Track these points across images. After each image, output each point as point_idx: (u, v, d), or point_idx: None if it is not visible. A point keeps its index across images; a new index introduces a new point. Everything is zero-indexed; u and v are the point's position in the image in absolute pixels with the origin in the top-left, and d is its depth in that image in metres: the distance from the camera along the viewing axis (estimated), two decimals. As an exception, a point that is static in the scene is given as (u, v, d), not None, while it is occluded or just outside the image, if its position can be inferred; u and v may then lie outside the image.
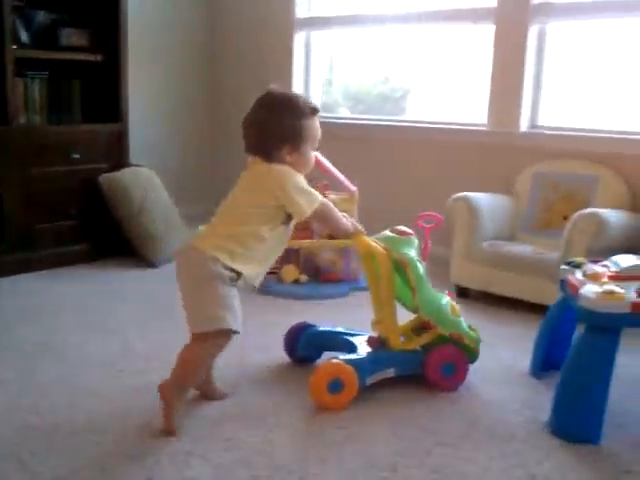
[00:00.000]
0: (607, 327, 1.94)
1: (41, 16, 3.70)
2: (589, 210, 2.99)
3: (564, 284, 2.24)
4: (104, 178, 3.80)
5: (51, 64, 3.76)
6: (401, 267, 2.26)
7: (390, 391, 2.24)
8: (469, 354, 2.34)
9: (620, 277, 2.07)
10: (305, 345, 2.47)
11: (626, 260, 2.16)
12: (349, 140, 4.26)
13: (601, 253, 2.55)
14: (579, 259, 2.32)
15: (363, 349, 2.31)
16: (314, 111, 2.09)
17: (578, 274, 2.17)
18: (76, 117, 3.93)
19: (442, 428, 2.04)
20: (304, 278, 3.50)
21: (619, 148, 3.38)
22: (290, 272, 3.48)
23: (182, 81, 5.03)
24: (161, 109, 4.89)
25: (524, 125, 3.72)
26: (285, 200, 2.01)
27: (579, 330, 2.05)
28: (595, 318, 1.94)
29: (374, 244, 2.23)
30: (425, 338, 2.33)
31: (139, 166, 4.06)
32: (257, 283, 2.10)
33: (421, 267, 2.27)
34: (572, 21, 3.64)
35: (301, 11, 4.65)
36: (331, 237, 3.47)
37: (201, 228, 2.12)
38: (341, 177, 3.38)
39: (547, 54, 3.69)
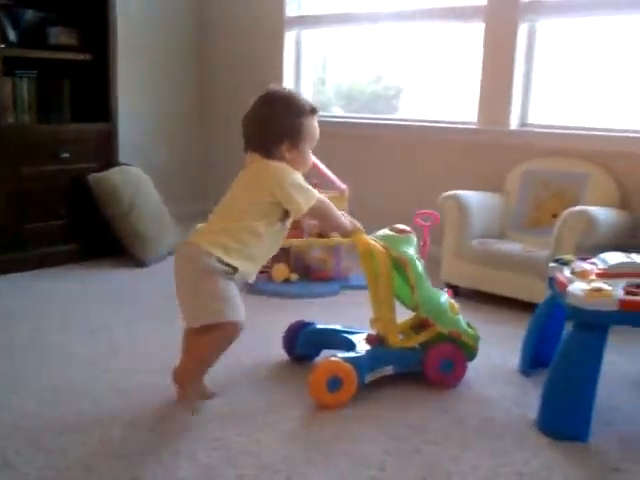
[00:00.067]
0: (595, 324, 1.94)
1: (29, 15, 3.69)
2: (578, 208, 2.99)
3: (552, 282, 2.24)
4: (93, 177, 3.78)
5: (40, 63, 3.74)
6: (400, 265, 2.26)
7: (378, 390, 2.24)
8: (468, 352, 2.34)
9: (608, 274, 2.07)
10: (304, 343, 2.47)
11: (614, 257, 2.15)
12: (342, 139, 4.25)
13: (590, 251, 2.55)
14: (567, 256, 2.32)
15: (362, 347, 2.31)
16: (314, 110, 2.13)
17: (566, 271, 2.17)
18: (65, 116, 3.91)
19: (431, 427, 2.03)
20: (294, 277, 3.50)
21: (609, 146, 3.38)
22: (280, 271, 3.47)
23: (172, 80, 5.01)
24: (151, 108, 4.88)
25: (514, 123, 3.73)
26: (282, 197, 2.02)
27: (568, 328, 2.05)
28: (583, 315, 1.94)
29: (373, 242, 2.24)
30: (424, 336, 2.33)
31: (128, 165, 4.04)
32: (251, 279, 2.11)
33: (420, 265, 2.27)
34: (562, 19, 3.64)
35: (291, 10, 4.65)
36: (321, 235, 3.48)
37: (199, 225, 2.13)
38: (331, 175, 3.38)
39: (537, 52, 3.69)
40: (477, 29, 3.81)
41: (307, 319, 2.56)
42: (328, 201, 2.15)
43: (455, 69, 4.12)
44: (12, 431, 1.95)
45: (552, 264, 2.29)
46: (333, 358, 2.18)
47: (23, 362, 2.45)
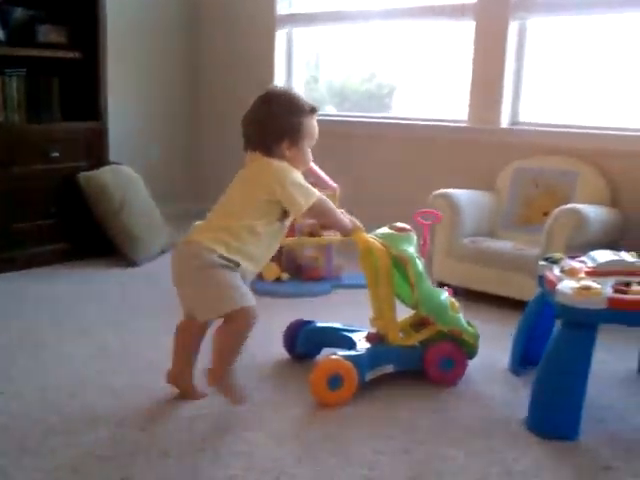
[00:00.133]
0: (584, 323, 1.94)
1: (18, 13, 3.66)
2: (569, 206, 2.99)
3: (542, 280, 2.24)
4: (83, 176, 3.77)
5: (29, 61, 3.72)
6: (400, 264, 2.26)
7: (370, 390, 2.23)
8: (468, 350, 2.35)
9: (597, 272, 2.07)
10: (304, 341, 2.48)
11: (603, 255, 2.16)
12: (333, 137, 4.24)
13: (581, 249, 2.56)
14: (557, 255, 2.32)
15: (362, 345, 2.31)
16: (313, 110, 2.15)
17: (556, 270, 2.17)
18: (55, 115, 3.88)
19: (420, 426, 2.03)
20: (286, 276, 3.49)
21: (599, 144, 3.39)
22: (272, 270, 3.46)
23: (163, 79, 5.00)
24: (142, 107, 4.86)
25: (505, 121, 3.73)
26: (282, 195, 2.03)
27: (557, 326, 2.05)
28: (572, 314, 1.93)
29: (372, 240, 2.24)
30: (424, 334, 2.34)
31: (119, 164, 4.02)
32: (249, 279, 2.12)
33: (420, 264, 2.28)
34: (552, 17, 3.64)
35: (282, 8, 4.64)
36: (312, 234, 3.47)
37: (197, 223, 2.13)
38: (322, 174, 3.37)
39: (527, 50, 3.69)
40: (468, 27, 3.80)
41: (299, 318, 2.56)
42: (328, 200, 2.16)
43: (447, 67, 4.11)
44: (-1, 432, 1.94)
45: (542, 262, 2.29)
46: (333, 356, 2.19)
47: (12, 362, 2.44)
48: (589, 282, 1.96)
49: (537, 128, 3.63)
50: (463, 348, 2.33)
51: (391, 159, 4.17)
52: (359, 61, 4.64)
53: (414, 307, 2.36)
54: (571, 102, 3.69)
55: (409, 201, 3.78)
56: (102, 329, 2.79)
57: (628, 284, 1.99)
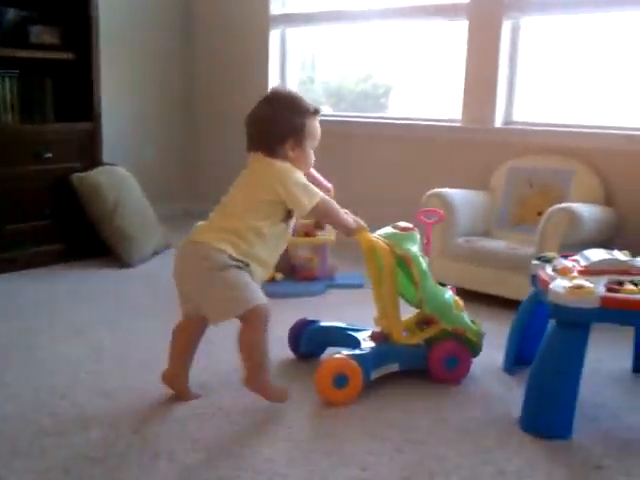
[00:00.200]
0: (576, 322, 1.93)
1: (10, 14, 3.65)
2: (562, 205, 2.99)
3: (535, 279, 2.24)
4: (76, 177, 3.76)
5: (22, 62, 3.71)
6: (404, 263, 2.26)
7: (362, 390, 2.21)
8: (472, 348, 2.35)
9: (590, 272, 2.06)
10: (308, 341, 2.48)
11: (596, 254, 2.15)
12: (328, 137, 4.23)
13: (575, 248, 2.55)
14: (550, 254, 2.32)
15: (366, 344, 2.32)
16: (316, 111, 2.16)
17: (548, 269, 2.17)
18: (48, 116, 3.88)
19: (413, 425, 2.02)
20: (279, 276, 3.48)
21: (593, 143, 3.39)
22: (266, 270, 3.45)
23: (157, 79, 4.99)
24: (135, 108, 4.86)
25: (499, 121, 3.72)
26: (286, 196, 2.03)
27: (550, 325, 2.04)
28: (564, 313, 1.93)
29: (376, 240, 2.25)
30: (428, 332, 2.34)
31: (113, 165, 4.01)
32: (260, 281, 2.11)
33: (424, 262, 2.28)
34: (545, 16, 3.64)
35: (276, 8, 4.63)
36: (307, 235, 3.47)
37: (200, 223, 2.12)
38: (316, 174, 3.36)
39: (521, 49, 3.69)
40: (461, 27, 3.80)
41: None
42: (331, 200, 2.16)
43: (441, 67, 4.11)
44: (-9, 434, 1.93)
45: (535, 261, 2.29)
46: (338, 355, 2.19)
47: (5, 363, 2.43)
48: (582, 281, 1.95)
49: (531, 127, 3.63)
50: (467, 346, 2.34)
51: (386, 159, 4.17)
52: (355, 61, 4.63)
53: (418, 306, 2.37)
54: (565, 101, 3.69)
55: (403, 201, 3.78)
56: (96, 330, 2.78)
57: (621, 283, 1.99)
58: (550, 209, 2.97)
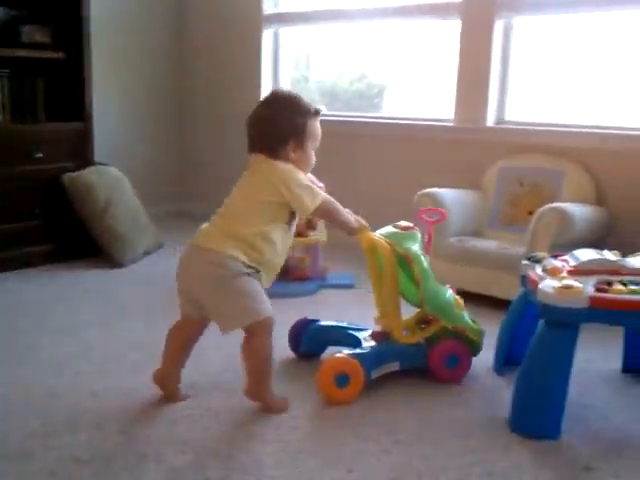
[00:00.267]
0: (565, 322, 1.93)
1: (1, 13, 3.64)
2: (553, 205, 2.99)
3: (525, 279, 2.23)
4: (68, 177, 3.75)
5: (13, 62, 3.69)
6: (405, 262, 2.27)
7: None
8: (472, 347, 2.36)
9: (579, 272, 2.06)
10: (309, 340, 2.49)
11: (585, 254, 2.15)
12: (323, 137, 4.22)
13: (566, 247, 2.54)
14: (540, 254, 2.32)
15: (367, 343, 2.32)
16: (317, 112, 2.16)
17: (538, 269, 2.16)
18: (40, 115, 3.86)
19: (401, 426, 2.02)
20: (271, 276, 3.47)
21: (585, 142, 3.39)
22: (257, 270, 3.44)
23: (149, 78, 4.98)
24: (127, 107, 4.85)
25: (491, 120, 3.72)
26: (289, 197, 2.04)
27: (540, 325, 2.04)
28: (553, 313, 1.93)
29: (377, 239, 2.25)
30: (429, 331, 2.35)
31: (104, 165, 4.00)
32: (267, 285, 2.12)
33: (425, 261, 2.29)
34: (538, 16, 3.64)
35: (269, 7, 4.62)
36: (299, 234, 3.46)
37: (204, 227, 2.12)
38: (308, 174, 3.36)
39: (513, 49, 3.69)
40: (454, 26, 3.80)
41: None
42: (333, 200, 2.16)
43: (434, 67, 4.11)
44: (-23, 435, 1.92)
45: (524, 262, 2.29)
46: (339, 354, 2.20)
47: (-7, 365, 2.42)
48: (571, 281, 1.95)
49: (523, 127, 3.63)
50: (467, 345, 2.35)
51: (378, 158, 4.16)
52: (349, 61, 4.63)
53: (419, 306, 2.37)
54: (557, 101, 3.69)
55: (395, 200, 3.79)
56: (85, 330, 2.77)
57: (610, 283, 1.99)
58: (541, 209, 2.97)
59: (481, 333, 2.38)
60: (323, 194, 2.10)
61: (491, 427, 2.02)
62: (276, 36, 4.69)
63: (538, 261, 2.24)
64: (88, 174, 3.82)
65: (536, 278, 2.08)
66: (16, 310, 3.02)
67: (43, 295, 3.24)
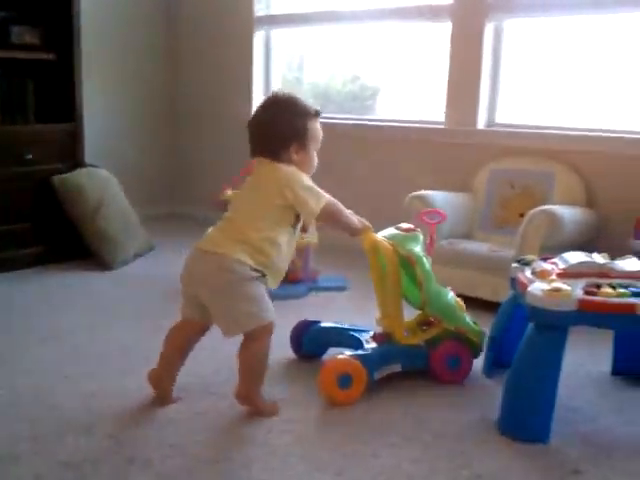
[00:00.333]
0: (554, 325, 1.93)
1: (-10, 14, 3.63)
2: (543, 207, 2.99)
3: (514, 282, 2.23)
4: (57, 179, 3.73)
5: (2, 63, 3.67)
6: (407, 264, 2.27)
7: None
8: (473, 348, 2.37)
9: (568, 274, 2.06)
10: (310, 341, 2.50)
11: (574, 257, 2.15)
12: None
13: (556, 250, 2.55)
14: (529, 256, 2.32)
15: (368, 345, 2.33)
16: (317, 113, 2.16)
17: (527, 272, 2.17)
18: (29, 117, 3.84)
19: (390, 429, 2.01)
20: (262, 279, 3.46)
21: (575, 145, 3.39)
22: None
23: (140, 80, 4.97)
24: (119, 109, 4.84)
25: (481, 122, 3.73)
26: (294, 200, 2.04)
27: (529, 328, 2.04)
28: (542, 316, 1.93)
29: (380, 240, 2.26)
30: (430, 333, 2.36)
31: (95, 167, 3.98)
32: (274, 287, 2.13)
33: (427, 263, 2.29)
34: (528, 18, 3.65)
35: (260, 9, 4.62)
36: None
37: (211, 230, 2.12)
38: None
39: (504, 51, 3.69)
40: (444, 28, 3.80)
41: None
42: (337, 201, 2.16)
43: (426, 69, 4.11)
44: (-37, 439, 1.90)
45: (514, 264, 2.29)
46: (342, 356, 2.20)
47: (-21, 368, 2.41)
48: (559, 284, 1.95)
49: (513, 129, 3.64)
50: (468, 346, 2.36)
51: (370, 161, 4.16)
52: (342, 63, 4.63)
53: (421, 308, 2.39)
54: (547, 103, 3.69)
55: (386, 203, 3.79)
56: (75, 333, 2.75)
57: (599, 286, 1.99)
58: (531, 211, 2.97)
59: (482, 335, 2.39)
60: (327, 196, 2.11)
61: (481, 430, 2.02)
62: (267, 38, 4.69)
63: (527, 263, 2.24)
64: (78, 176, 3.80)
65: (525, 281, 2.08)
66: (4, 312, 3.00)
67: (31, 297, 3.22)
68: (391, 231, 2.36)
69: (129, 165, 4.74)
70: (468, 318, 2.37)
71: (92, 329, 2.81)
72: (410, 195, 3.36)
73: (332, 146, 4.24)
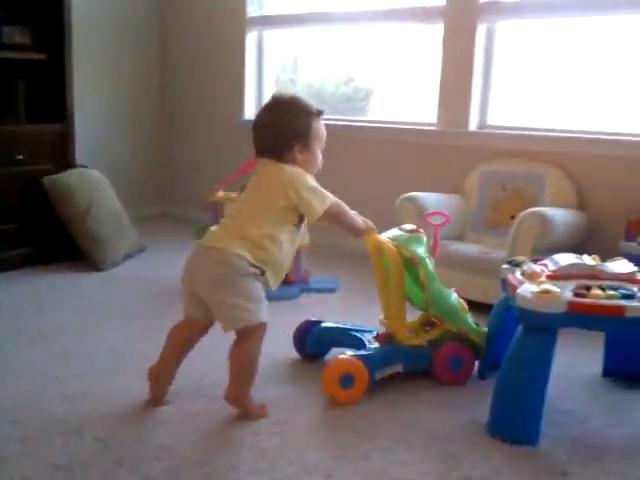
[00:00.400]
0: (543, 327, 1.93)
1: (-19, 14, 3.61)
2: (534, 209, 3.00)
3: (505, 283, 2.23)
4: (48, 179, 3.71)
5: (-7, 63, 3.66)
6: (411, 265, 2.27)
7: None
8: (475, 349, 2.37)
9: (558, 276, 2.06)
10: (314, 341, 2.51)
11: (565, 259, 2.15)
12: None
13: (547, 252, 2.55)
14: (520, 258, 2.32)
15: (371, 345, 2.34)
16: (320, 113, 2.17)
17: (517, 273, 2.16)
18: (20, 117, 3.81)
19: (380, 431, 2.01)
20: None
21: (566, 147, 3.40)
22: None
23: (132, 80, 4.96)
24: (110, 109, 4.82)
25: (473, 124, 3.73)
26: (298, 201, 2.04)
27: (518, 330, 2.04)
28: (531, 318, 1.93)
29: (384, 241, 2.27)
30: (432, 333, 2.37)
31: (85, 167, 3.97)
32: (274, 286, 2.13)
33: (430, 264, 2.30)
34: (520, 20, 3.65)
35: (253, 10, 4.61)
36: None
37: (214, 229, 2.13)
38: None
39: (496, 53, 3.70)
40: (436, 30, 3.80)
41: (308, 319, 2.60)
42: (341, 202, 2.17)
43: (419, 71, 4.11)
44: (-50, 442, 1.89)
45: (505, 266, 2.29)
46: (343, 356, 2.21)
47: (-32, 369, 2.39)
48: (549, 286, 1.95)
49: (505, 131, 3.64)
50: (470, 348, 2.36)
51: (363, 162, 4.16)
52: (336, 64, 4.62)
53: (423, 308, 2.39)
54: (539, 106, 3.70)
55: (379, 204, 3.77)
56: (65, 334, 2.74)
57: (589, 288, 1.99)
58: (522, 213, 2.98)
59: (484, 336, 2.39)
60: (331, 197, 2.11)
61: (470, 432, 2.01)
62: (260, 39, 4.68)
63: (518, 265, 2.24)
64: (69, 176, 3.79)
65: (515, 282, 2.08)
66: (-6, 314, 2.99)
67: (20, 299, 3.21)
68: (395, 232, 2.37)
69: (120, 166, 4.73)
70: (470, 319, 2.38)
71: (82, 330, 2.79)
72: (401, 197, 3.36)
73: (325, 148, 4.27)
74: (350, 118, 4.40)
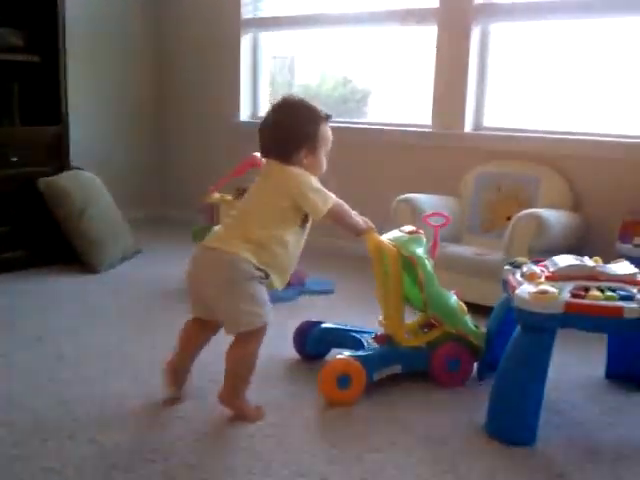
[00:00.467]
0: (541, 327, 1.92)
1: (-26, 16, 3.60)
2: (529, 210, 2.99)
3: (506, 284, 2.23)
4: (43, 181, 3.70)
5: (-14, 65, 3.65)
6: (410, 266, 2.28)
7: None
8: (474, 351, 2.37)
9: (556, 277, 2.05)
10: (313, 342, 2.51)
11: (564, 260, 2.14)
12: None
13: (543, 253, 2.55)
14: (520, 259, 2.31)
15: (370, 346, 2.34)
16: (327, 117, 2.18)
17: (517, 274, 2.16)
18: (14, 119, 3.80)
19: (375, 433, 2.00)
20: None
21: (562, 149, 3.40)
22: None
23: (127, 82, 4.95)
24: (105, 111, 4.81)
25: (468, 126, 3.72)
26: (302, 201, 2.05)
27: (516, 330, 2.03)
28: (529, 318, 1.92)
29: (384, 241, 2.27)
30: (431, 335, 2.36)
31: (80, 169, 3.95)
32: (280, 287, 2.13)
33: (429, 265, 2.30)
34: (514, 22, 3.65)
35: (247, 11, 4.61)
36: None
37: (217, 229, 2.13)
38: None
39: (491, 55, 3.69)
40: (430, 32, 3.80)
41: (308, 320, 2.60)
42: (343, 202, 2.18)
43: (415, 73, 4.10)
44: (-58, 445, 1.87)
45: (506, 267, 2.28)
46: (341, 356, 2.21)
47: (-39, 372, 2.37)
48: (547, 287, 1.94)
49: (500, 133, 3.64)
50: (469, 349, 2.36)
51: (358, 164, 4.15)
52: (333, 66, 4.62)
53: (422, 309, 2.39)
54: (534, 107, 3.70)
55: (375, 205, 3.76)
56: (59, 337, 2.72)
57: (587, 289, 1.98)
58: (517, 215, 2.97)
59: (483, 337, 2.39)
60: (334, 197, 2.12)
61: (467, 433, 2.01)
62: (255, 40, 4.68)
63: (519, 266, 2.23)
64: (64, 178, 3.77)
65: (514, 283, 2.08)
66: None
67: (16, 301, 3.19)
68: (395, 233, 2.37)
69: (115, 167, 4.72)
70: (469, 321, 2.38)
71: (75, 333, 2.77)
72: (397, 198, 3.35)
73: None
74: (347, 120, 4.39)
